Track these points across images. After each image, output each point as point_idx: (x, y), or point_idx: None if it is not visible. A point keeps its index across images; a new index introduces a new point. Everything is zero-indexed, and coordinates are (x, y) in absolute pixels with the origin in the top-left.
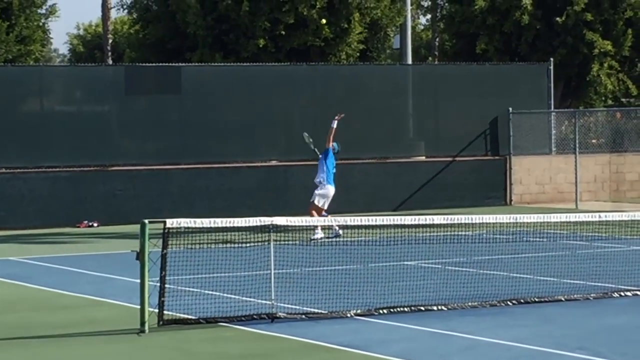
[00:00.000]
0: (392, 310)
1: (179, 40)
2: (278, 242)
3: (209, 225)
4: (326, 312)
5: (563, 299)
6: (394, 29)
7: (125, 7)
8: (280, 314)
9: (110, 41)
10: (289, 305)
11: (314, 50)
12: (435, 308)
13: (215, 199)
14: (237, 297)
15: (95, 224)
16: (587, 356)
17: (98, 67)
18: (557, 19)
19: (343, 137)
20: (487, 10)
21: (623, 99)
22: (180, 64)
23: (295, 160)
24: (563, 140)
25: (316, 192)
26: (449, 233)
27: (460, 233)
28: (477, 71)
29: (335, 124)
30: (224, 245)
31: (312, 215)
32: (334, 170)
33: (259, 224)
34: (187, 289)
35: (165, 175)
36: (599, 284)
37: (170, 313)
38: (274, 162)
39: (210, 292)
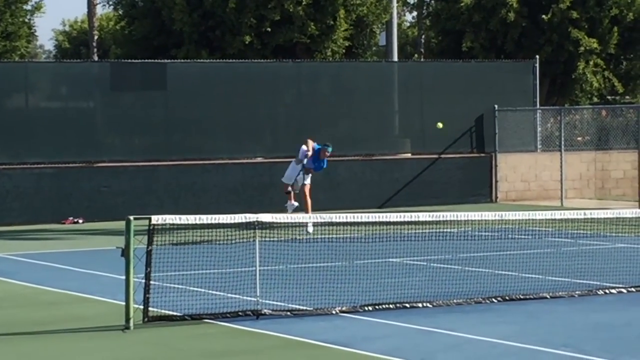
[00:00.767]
0: (377, 307)
1: (164, 36)
2: (263, 239)
3: (194, 222)
4: (311, 308)
5: (548, 296)
6: (380, 26)
7: (110, 3)
8: (265, 310)
9: (95, 37)
10: (274, 302)
11: (300, 47)
12: (420, 305)
13: (200, 196)
14: (222, 293)
15: (81, 221)
16: (572, 353)
17: (83, 63)
18: (543, 16)
19: (329, 134)
20: (473, 7)
21: (609, 97)
22: (166, 61)
23: (281, 157)
24: (548, 138)
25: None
26: (434, 230)
27: (445, 230)
28: (463, 68)
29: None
30: (209, 242)
31: (309, 200)
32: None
33: (244, 220)
34: (173, 285)
35: (151, 172)
36: (584, 282)
37: (155, 310)
38: (259, 159)
39: (195, 289)
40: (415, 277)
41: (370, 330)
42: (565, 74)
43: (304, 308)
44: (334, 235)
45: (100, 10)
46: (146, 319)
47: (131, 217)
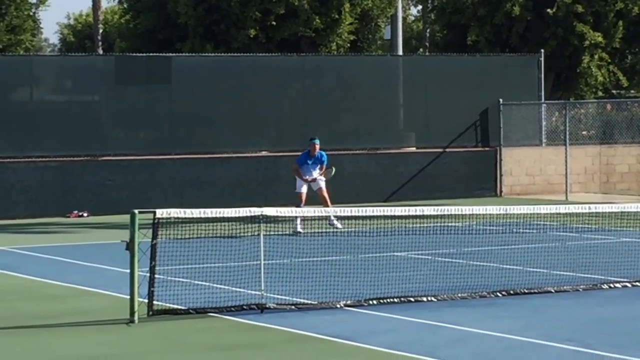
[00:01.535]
0: (381, 301)
1: (169, 30)
2: (268, 233)
3: (198, 216)
4: (316, 302)
5: (553, 290)
6: (385, 19)
7: None
8: (269, 304)
9: (100, 31)
10: (279, 296)
11: (305, 41)
12: (424, 299)
13: (205, 189)
14: (226, 287)
15: (85, 214)
16: (576, 347)
17: (88, 56)
18: (548, 10)
19: (334, 128)
20: (478, 1)
21: (613, 91)
22: (170, 54)
23: (285, 151)
24: (553, 132)
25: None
26: (439, 224)
27: (450, 224)
28: (467, 62)
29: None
30: (214, 236)
31: (329, 202)
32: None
33: (249, 214)
34: (177, 279)
35: (156, 166)
36: (589, 276)
37: (159, 303)
38: (264, 153)
39: (200, 283)
40: (420, 271)
41: (375, 324)
42: (570, 68)
43: (309, 302)
44: (339, 229)
45: (105, 4)
46: (151, 313)
47: (136, 211)
